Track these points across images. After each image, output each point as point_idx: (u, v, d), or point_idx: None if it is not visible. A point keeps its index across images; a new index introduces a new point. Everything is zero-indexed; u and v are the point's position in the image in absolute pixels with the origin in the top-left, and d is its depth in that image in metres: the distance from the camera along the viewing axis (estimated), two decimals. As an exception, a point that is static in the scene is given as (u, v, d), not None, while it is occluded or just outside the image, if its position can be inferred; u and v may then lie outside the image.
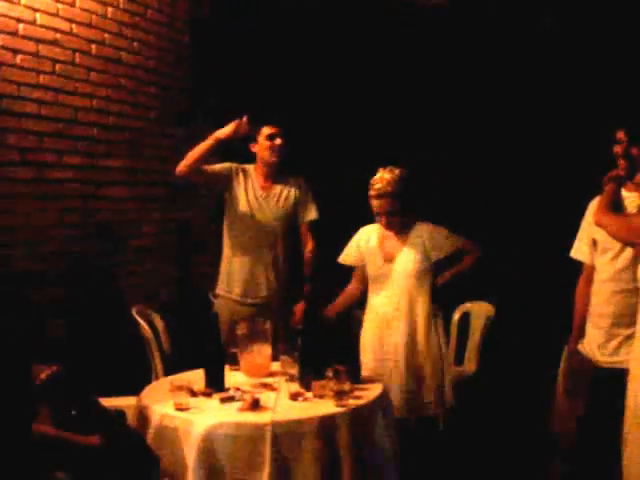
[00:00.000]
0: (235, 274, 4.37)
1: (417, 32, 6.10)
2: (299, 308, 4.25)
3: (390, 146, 5.34)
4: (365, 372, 3.78)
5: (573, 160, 5.60)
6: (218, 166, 4.36)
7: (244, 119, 4.15)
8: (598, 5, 5.62)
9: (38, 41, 4.20)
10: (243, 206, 4.33)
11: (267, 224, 4.35)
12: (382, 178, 3.85)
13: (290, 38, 5.96)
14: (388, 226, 3.94)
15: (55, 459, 2.46)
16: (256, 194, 4.36)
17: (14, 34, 4.06)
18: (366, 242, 4.04)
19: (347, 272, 4.15)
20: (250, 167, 4.43)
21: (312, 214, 4.44)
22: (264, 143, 4.33)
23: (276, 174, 4.39)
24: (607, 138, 3.39)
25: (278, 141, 4.31)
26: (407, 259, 3.89)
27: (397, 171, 3.88)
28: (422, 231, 3.92)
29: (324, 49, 6.07)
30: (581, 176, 4.09)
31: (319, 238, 4.45)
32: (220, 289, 4.43)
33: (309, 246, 4.45)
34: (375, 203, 3.88)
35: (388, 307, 3.93)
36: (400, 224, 3.93)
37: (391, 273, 3.92)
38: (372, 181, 3.88)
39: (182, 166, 4.21)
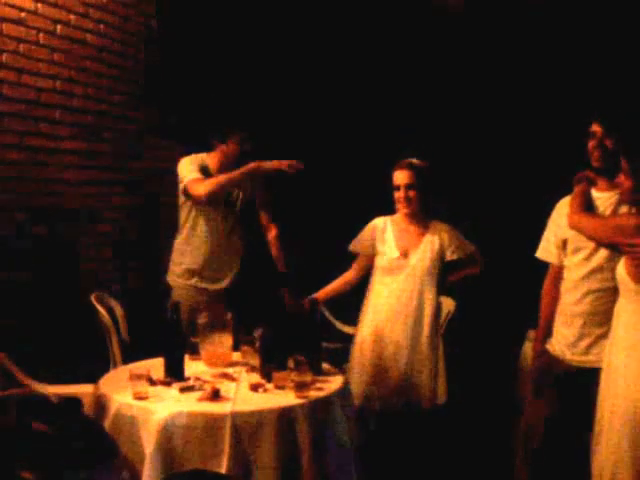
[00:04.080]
0: (193, 263, 4.37)
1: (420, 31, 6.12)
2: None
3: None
4: (362, 366, 3.92)
5: (540, 159, 5.63)
6: (194, 170, 4.32)
7: (297, 163, 4.13)
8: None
9: (2, 19, 4.12)
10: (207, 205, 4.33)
11: (225, 214, 4.37)
12: (405, 170, 3.92)
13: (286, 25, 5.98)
14: (407, 216, 3.98)
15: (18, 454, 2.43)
16: None
17: (-22, 12, 3.98)
18: (382, 232, 4.04)
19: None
20: (206, 158, 4.40)
21: (267, 200, 4.50)
22: (235, 147, 4.34)
23: (235, 168, 4.35)
24: (574, 137, 3.40)
25: (246, 147, 4.32)
26: (424, 255, 3.92)
27: (420, 163, 3.95)
28: (440, 230, 3.97)
29: (329, 44, 6.09)
30: (547, 176, 4.11)
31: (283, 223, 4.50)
32: (177, 277, 4.42)
33: (272, 230, 4.48)
34: (398, 194, 3.93)
35: (398, 300, 3.93)
36: (418, 219, 3.98)
37: (405, 267, 3.93)
38: (396, 171, 3.94)
39: (208, 191, 4.20)
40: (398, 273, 3.95)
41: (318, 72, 6.15)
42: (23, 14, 4.25)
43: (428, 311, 3.90)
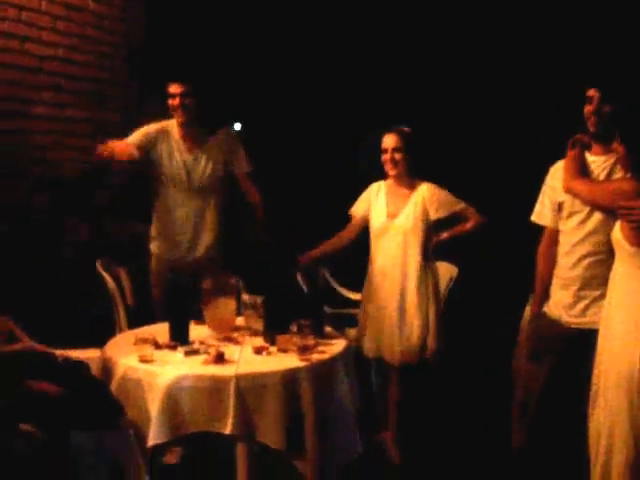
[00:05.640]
0: (170, 236, 4.35)
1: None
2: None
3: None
4: (367, 321, 4.07)
5: (537, 123, 5.62)
6: (137, 139, 4.25)
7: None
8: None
9: (3, -13, 4.12)
10: (171, 172, 4.27)
11: (198, 185, 4.31)
12: (393, 134, 4.05)
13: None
14: (395, 179, 4.10)
15: (22, 410, 2.47)
16: (183, 158, 4.28)
17: (-22, -21, 3.97)
18: (375, 196, 4.19)
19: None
20: (171, 125, 4.32)
21: (245, 165, 4.43)
22: (170, 102, 4.22)
23: (199, 131, 4.31)
24: (570, 100, 3.40)
25: (179, 102, 4.18)
26: (408, 216, 4.03)
27: (406, 129, 4.09)
28: (424, 190, 4.07)
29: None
30: (542, 139, 4.12)
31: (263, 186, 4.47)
32: (155, 252, 4.41)
33: (254, 196, 4.45)
34: (385, 156, 4.05)
35: (386, 260, 4.06)
36: (406, 182, 4.10)
37: (390, 228, 4.06)
38: (384, 135, 4.08)
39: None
40: (385, 234, 4.08)
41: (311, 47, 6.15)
42: (24, -19, 4.25)
43: (413, 269, 4.01)
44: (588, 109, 3.27)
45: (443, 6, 6.08)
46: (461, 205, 4.07)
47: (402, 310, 4.00)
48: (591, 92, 3.26)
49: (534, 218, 3.59)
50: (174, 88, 4.18)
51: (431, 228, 4.05)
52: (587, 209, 3.28)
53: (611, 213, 3.10)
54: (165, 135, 4.29)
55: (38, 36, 4.37)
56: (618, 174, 3.22)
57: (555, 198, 3.45)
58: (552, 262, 3.48)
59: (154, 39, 5.41)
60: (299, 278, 4.55)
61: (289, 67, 6.21)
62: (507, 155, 5.85)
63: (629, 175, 3.07)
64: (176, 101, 4.18)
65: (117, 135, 4.68)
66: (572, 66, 4.96)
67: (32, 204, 4.40)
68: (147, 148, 4.25)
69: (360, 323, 4.18)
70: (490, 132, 5.99)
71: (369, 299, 4.14)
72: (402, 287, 4.01)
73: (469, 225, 4.06)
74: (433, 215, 4.03)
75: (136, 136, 4.26)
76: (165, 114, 4.31)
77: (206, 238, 4.37)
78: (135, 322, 4.08)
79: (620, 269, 3.00)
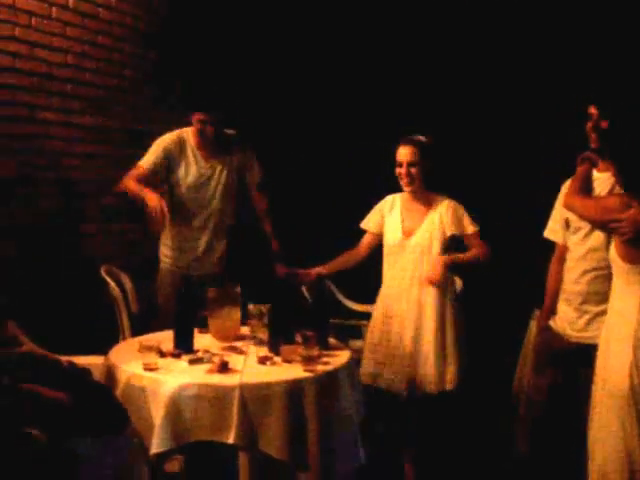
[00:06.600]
0: (184, 245, 4.34)
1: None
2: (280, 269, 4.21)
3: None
4: (372, 345, 3.93)
5: (550, 141, 5.63)
6: (153, 160, 4.21)
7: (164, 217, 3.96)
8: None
9: (15, -8, 4.13)
10: (188, 181, 4.26)
11: (214, 194, 4.31)
12: (408, 146, 3.89)
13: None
14: (411, 194, 3.94)
15: (27, 412, 2.47)
16: (199, 167, 4.28)
17: (-9, -16, 3.99)
18: (389, 211, 4.04)
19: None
20: (187, 134, 4.31)
21: (257, 175, 4.44)
22: (196, 125, 4.21)
23: (216, 144, 4.29)
24: (583, 119, 3.42)
25: (208, 129, 4.17)
26: (424, 234, 3.88)
27: (423, 139, 3.91)
28: (443, 206, 3.91)
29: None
30: (557, 157, 4.13)
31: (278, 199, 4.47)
32: (166, 261, 4.38)
33: (262, 203, 4.45)
34: (400, 170, 3.89)
35: (400, 281, 3.93)
36: (423, 196, 3.95)
37: (406, 247, 3.92)
38: (399, 147, 3.91)
39: (119, 187, 4.18)
40: (401, 253, 3.94)
41: (322, 56, 6.19)
42: (36, -13, 4.27)
43: (430, 292, 3.87)
44: (589, 126, 3.34)
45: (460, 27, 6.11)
46: (473, 229, 3.92)
47: (418, 338, 3.86)
48: (591, 109, 3.32)
49: (546, 234, 3.67)
50: (204, 116, 4.15)
51: (447, 245, 3.90)
52: (589, 225, 3.32)
53: (605, 229, 3.16)
54: (182, 145, 4.28)
55: (48, 42, 4.38)
56: (619, 190, 3.24)
57: (563, 214, 3.52)
58: (561, 277, 3.56)
59: (166, 46, 5.43)
60: (304, 289, 4.52)
61: (299, 74, 6.21)
62: (521, 170, 5.84)
63: (622, 190, 3.13)
64: (207, 128, 4.16)
65: (123, 144, 4.72)
66: (587, 84, 4.96)
67: (39, 208, 4.39)
68: (168, 165, 4.25)
69: (365, 342, 4.05)
70: (505, 147, 5.98)
71: (380, 320, 3.99)
72: (418, 312, 3.86)
73: (469, 255, 3.89)
74: (449, 231, 3.88)
75: (157, 155, 4.22)
76: (173, 123, 4.32)
77: (220, 247, 4.38)
78: (138, 329, 4.08)
79: (617, 286, 3.05)
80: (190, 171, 4.26)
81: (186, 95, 4.80)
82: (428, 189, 3.96)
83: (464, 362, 3.91)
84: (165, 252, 4.39)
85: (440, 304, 3.87)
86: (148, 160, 4.21)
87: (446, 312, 3.90)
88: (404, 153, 3.88)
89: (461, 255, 3.92)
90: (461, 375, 3.87)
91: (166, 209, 3.93)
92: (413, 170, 3.86)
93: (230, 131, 4.42)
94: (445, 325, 3.88)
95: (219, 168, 4.32)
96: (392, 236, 3.98)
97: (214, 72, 5.45)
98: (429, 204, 3.95)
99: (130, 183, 4.11)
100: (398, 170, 3.90)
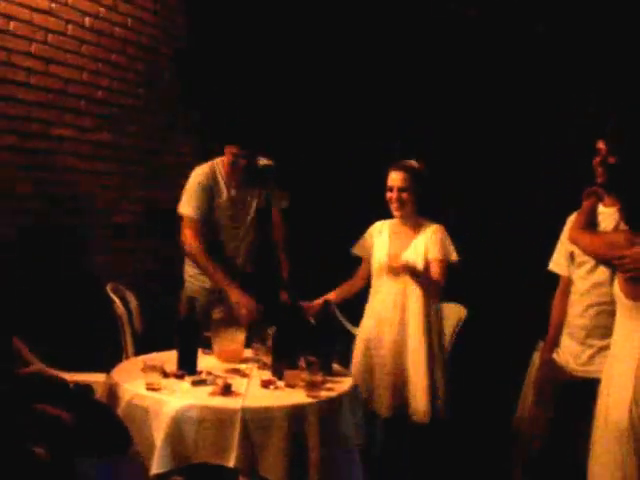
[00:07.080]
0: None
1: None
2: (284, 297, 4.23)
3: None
4: (357, 370, 3.88)
5: (557, 173, 5.63)
6: (199, 205, 4.21)
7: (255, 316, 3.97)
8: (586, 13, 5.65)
9: (33, 9, 4.16)
10: (220, 208, 4.28)
11: (242, 221, 4.35)
12: (400, 171, 3.88)
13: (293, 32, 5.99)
14: (401, 219, 3.94)
15: (33, 431, 2.47)
16: (230, 194, 4.29)
17: (9, 0, 4.01)
18: (378, 235, 4.04)
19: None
20: (219, 163, 4.32)
21: (284, 202, 4.48)
22: (228, 157, 4.23)
23: (247, 174, 4.30)
24: (590, 152, 3.43)
25: (241, 162, 4.19)
26: (408, 258, 3.83)
27: (415, 165, 3.91)
28: (430, 231, 3.90)
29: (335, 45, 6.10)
30: (564, 190, 4.13)
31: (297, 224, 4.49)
32: (191, 281, 4.38)
33: (282, 230, 4.47)
34: (390, 195, 3.89)
35: (384, 304, 3.93)
36: (412, 221, 3.95)
37: (390, 270, 3.89)
38: (391, 171, 3.91)
39: (187, 251, 4.22)
40: (387, 276, 3.93)
41: (324, 79, 6.18)
42: (53, 5, 4.30)
43: (413, 311, 3.85)
44: (596, 160, 3.35)
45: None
46: (452, 258, 3.87)
47: (402, 364, 3.84)
48: (599, 144, 3.33)
49: (551, 266, 3.67)
50: (237, 150, 4.17)
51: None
52: (594, 260, 3.34)
53: (609, 265, 3.16)
54: (214, 177, 4.29)
55: (63, 59, 4.42)
56: (625, 226, 3.24)
57: (568, 247, 3.53)
58: (565, 310, 3.56)
59: (188, 73, 5.47)
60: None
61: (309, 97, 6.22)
62: (527, 203, 5.84)
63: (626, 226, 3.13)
64: (240, 161, 4.18)
65: (135, 163, 4.74)
66: (587, 85, 4.96)
67: (50, 224, 4.41)
68: (209, 200, 4.26)
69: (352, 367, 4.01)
70: (511, 179, 5.98)
71: (361, 344, 3.99)
72: (401, 338, 3.85)
73: (430, 277, 3.84)
74: (430, 254, 3.84)
75: (200, 198, 4.21)
76: (187, 144, 4.32)
77: (249, 270, 4.40)
78: (142, 349, 4.08)
79: (620, 321, 3.04)
80: (221, 198, 4.28)
81: (211, 124, 4.78)
82: (420, 214, 3.95)
83: (451, 394, 3.90)
84: (190, 272, 4.37)
85: (425, 329, 3.84)
86: (195, 207, 4.20)
87: (433, 338, 3.88)
88: (395, 178, 3.88)
89: (423, 272, 3.85)
90: (449, 407, 3.87)
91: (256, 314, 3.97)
92: (404, 195, 3.86)
93: (266, 161, 4.45)
94: (434, 351, 3.87)
95: (249, 194, 4.36)
96: (378, 259, 3.97)
97: (246, 105, 5.46)
98: (417, 228, 3.93)
99: (202, 260, 4.15)
100: (389, 195, 3.90)
